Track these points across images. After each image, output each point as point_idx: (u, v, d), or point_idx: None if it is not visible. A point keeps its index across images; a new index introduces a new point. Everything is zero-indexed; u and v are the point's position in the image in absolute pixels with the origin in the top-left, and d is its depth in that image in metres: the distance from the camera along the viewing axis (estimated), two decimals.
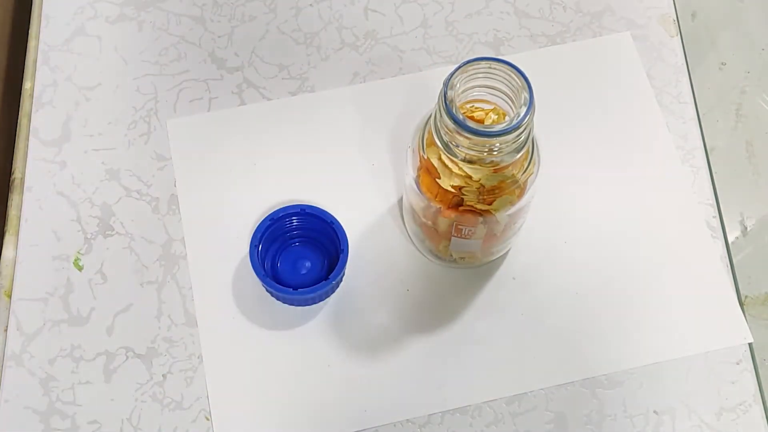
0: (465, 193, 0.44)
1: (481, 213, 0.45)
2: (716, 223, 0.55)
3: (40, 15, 0.62)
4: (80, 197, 0.56)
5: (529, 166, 0.44)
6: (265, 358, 0.51)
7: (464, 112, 0.44)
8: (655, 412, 0.50)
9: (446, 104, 0.40)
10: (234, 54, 0.61)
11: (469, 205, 0.45)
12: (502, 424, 0.50)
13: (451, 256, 0.51)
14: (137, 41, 0.61)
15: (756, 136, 0.68)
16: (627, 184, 0.56)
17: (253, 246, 0.50)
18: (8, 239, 0.55)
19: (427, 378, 0.51)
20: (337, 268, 0.50)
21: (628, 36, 0.61)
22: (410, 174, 0.47)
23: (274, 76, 0.60)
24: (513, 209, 0.46)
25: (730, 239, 0.56)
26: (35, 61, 0.60)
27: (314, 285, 0.50)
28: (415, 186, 0.46)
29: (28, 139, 0.58)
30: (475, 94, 0.43)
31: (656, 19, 0.62)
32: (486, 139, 0.40)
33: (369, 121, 0.58)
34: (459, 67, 0.41)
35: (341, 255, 0.50)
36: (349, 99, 0.59)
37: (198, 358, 0.51)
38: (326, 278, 0.50)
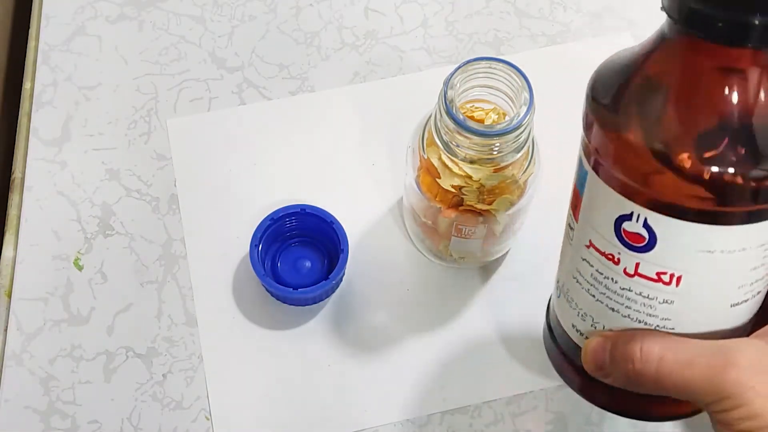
0: (465, 192, 0.44)
1: (481, 213, 0.45)
2: None
3: (40, 15, 0.62)
4: (80, 197, 0.56)
5: (529, 166, 0.44)
6: (265, 358, 0.51)
7: (464, 112, 0.44)
8: None
9: (446, 104, 0.40)
10: (234, 54, 0.61)
11: (469, 205, 0.45)
12: (502, 424, 0.50)
13: (451, 255, 0.51)
14: (137, 41, 0.61)
15: None
16: None
17: (253, 246, 0.50)
18: (8, 239, 0.55)
19: (427, 378, 0.51)
20: (337, 268, 0.50)
21: (628, 36, 0.61)
22: (410, 174, 0.47)
23: (274, 76, 0.60)
24: (513, 209, 0.46)
25: None
26: (35, 61, 0.60)
27: (314, 285, 0.50)
28: (415, 186, 0.46)
29: (28, 139, 0.58)
30: (475, 93, 0.43)
31: (656, 19, 0.62)
32: (486, 138, 0.40)
33: (369, 121, 0.58)
34: (459, 67, 0.41)
35: (341, 255, 0.50)
36: (349, 99, 0.59)
37: (198, 357, 0.51)
38: (326, 278, 0.50)
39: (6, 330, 0.52)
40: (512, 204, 0.45)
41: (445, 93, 0.40)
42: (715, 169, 0.30)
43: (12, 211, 0.56)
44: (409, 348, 0.52)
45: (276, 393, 0.51)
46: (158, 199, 0.56)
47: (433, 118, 0.43)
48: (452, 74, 0.41)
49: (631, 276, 0.35)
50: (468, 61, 0.41)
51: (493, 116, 0.45)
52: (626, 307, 0.35)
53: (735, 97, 0.30)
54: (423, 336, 0.52)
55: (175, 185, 0.56)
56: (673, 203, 0.32)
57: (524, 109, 0.40)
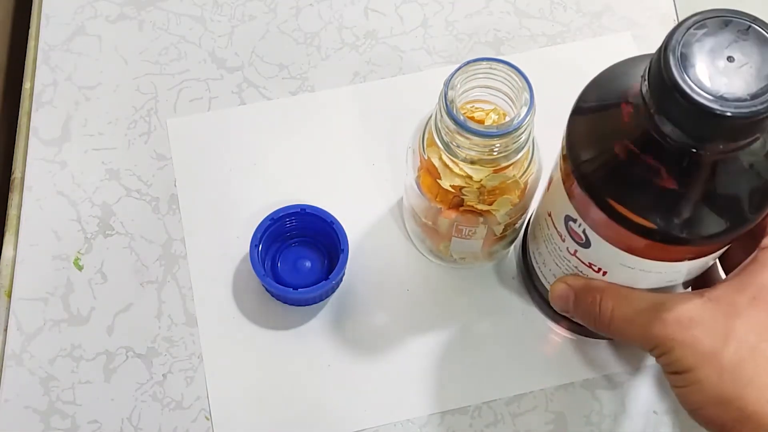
0: (465, 193, 0.44)
1: (481, 213, 0.45)
2: None
3: (39, 15, 0.62)
4: (80, 197, 0.56)
5: (530, 167, 0.44)
6: (265, 358, 0.51)
7: (465, 113, 0.44)
8: (654, 412, 0.50)
9: (447, 104, 0.40)
10: (234, 54, 0.61)
11: (469, 205, 0.45)
12: (502, 424, 0.50)
13: (452, 256, 0.51)
14: (137, 41, 0.61)
15: None
16: None
17: (253, 246, 0.50)
18: (8, 239, 0.55)
19: (427, 378, 0.51)
20: (337, 268, 0.50)
21: (628, 36, 0.61)
22: (411, 174, 0.47)
23: (274, 76, 0.60)
24: (513, 210, 0.46)
25: None
26: (35, 61, 0.60)
27: (314, 285, 0.50)
28: (415, 186, 0.46)
29: (28, 139, 0.58)
30: (475, 94, 0.43)
31: (656, 19, 0.62)
32: (486, 139, 0.40)
33: (369, 121, 0.58)
34: (460, 68, 0.41)
35: (341, 255, 0.50)
36: (349, 99, 0.59)
37: (198, 357, 0.51)
38: (326, 278, 0.50)
39: (6, 330, 0.52)
40: (512, 204, 0.45)
41: (446, 93, 0.40)
42: (643, 229, 0.36)
43: (12, 211, 0.56)
44: (409, 348, 0.52)
45: (276, 393, 0.51)
46: (158, 199, 0.56)
47: (433, 118, 0.43)
48: (453, 75, 0.41)
49: (572, 254, 0.42)
50: (468, 62, 0.41)
51: (494, 117, 0.45)
52: (567, 268, 0.44)
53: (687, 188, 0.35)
54: (423, 336, 0.52)
55: (175, 185, 0.56)
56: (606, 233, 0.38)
57: (525, 109, 0.40)
